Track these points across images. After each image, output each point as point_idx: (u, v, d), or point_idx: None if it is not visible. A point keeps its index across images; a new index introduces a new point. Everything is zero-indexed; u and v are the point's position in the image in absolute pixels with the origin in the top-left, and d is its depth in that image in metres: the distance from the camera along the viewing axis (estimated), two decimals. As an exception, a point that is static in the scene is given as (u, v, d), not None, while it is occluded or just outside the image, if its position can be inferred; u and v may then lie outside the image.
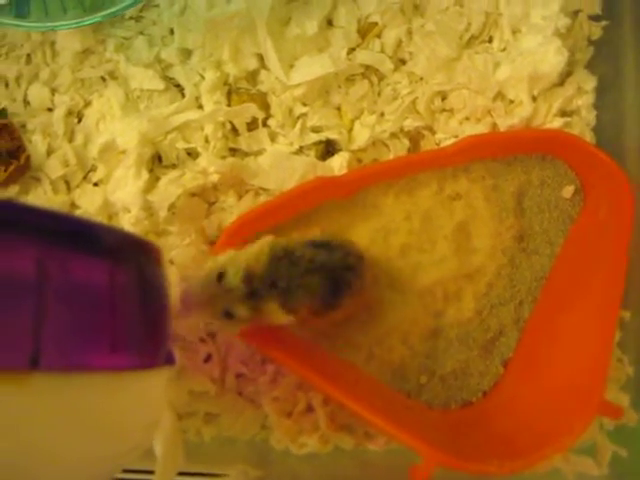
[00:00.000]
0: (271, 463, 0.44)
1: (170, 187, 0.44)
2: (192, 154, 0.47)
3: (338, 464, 0.44)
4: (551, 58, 0.44)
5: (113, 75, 0.48)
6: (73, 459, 0.28)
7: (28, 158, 0.46)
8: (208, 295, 0.36)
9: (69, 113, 0.48)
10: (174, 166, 0.46)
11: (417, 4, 0.48)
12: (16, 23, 0.44)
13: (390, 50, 0.47)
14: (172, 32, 0.48)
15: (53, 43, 0.48)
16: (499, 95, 0.46)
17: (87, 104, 0.48)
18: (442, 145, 0.47)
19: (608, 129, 0.46)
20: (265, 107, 0.47)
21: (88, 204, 0.46)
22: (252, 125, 0.47)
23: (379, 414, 0.38)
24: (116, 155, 0.45)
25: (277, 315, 0.36)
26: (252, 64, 0.47)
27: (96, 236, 0.28)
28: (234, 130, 0.47)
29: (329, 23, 0.48)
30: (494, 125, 0.46)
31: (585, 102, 0.46)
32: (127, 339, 0.29)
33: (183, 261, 0.45)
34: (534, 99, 0.46)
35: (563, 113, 0.46)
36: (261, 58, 0.47)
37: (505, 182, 0.45)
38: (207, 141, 0.46)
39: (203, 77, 0.47)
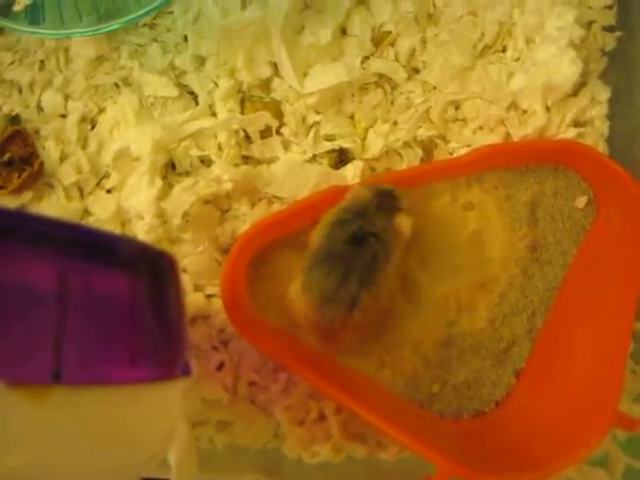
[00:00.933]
0: (284, 472, 0.44)
1: (184, 195, 0.44)
2: (205, 162, 0.47)
3: (351, 473, 0.44)
4: (565, 69, 0.44)
5: (127, 82, 0.48)
6: (91, 471, 0.28)
7: (41, 164, 0.46)
8: None
9: (82, 120, 0.48)
10: (187, 174, 0.46)
11: (431, 13, 0.48)
12: (31, 30, 0.44)
13: (404, 59, 0.47)
14: (186, 39, 0.48)
15: (67, 49, 0.48)
16: (513, 105, 0.46)
17: (101, 111, 0.48)
18: (455, 154, 0.47)
19: (621, 140, 0.46)
20: (278, 115, 0.47)
21: (101, 211, 0.46)
22: (265, 133, 0.47)
23: (392, 423, 0.38)
24: (130, 162, 0.45)
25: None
26: (266, 72, 0.47)
27: (115, 248, 0.28)
28: (247, 138, 0.47)
29: (343, 32, 0.48)
30: (507, 135, 0.46)
31: (599, 113, 0.46)
32: (145, 352, 0.29)
33: (196, 269, 0.45)
34: (548, 109, 0.46)
35: (576, 123, 0.46)
36: (275, 66, 0.47)
37: (518, 192, 0.45)
38: (220, 149, 0.46)
39: (217, 85, 0.47)
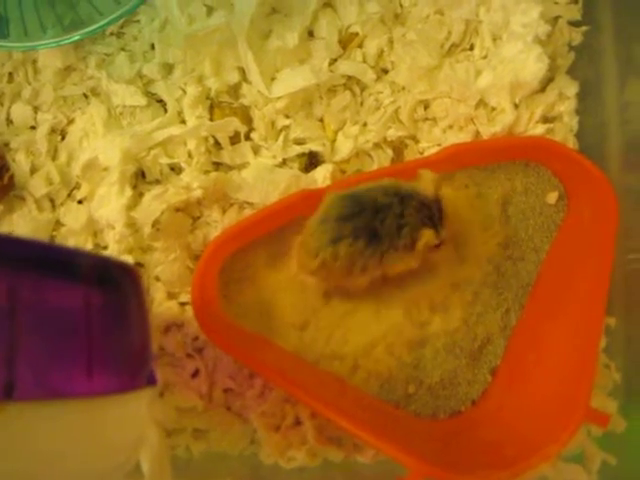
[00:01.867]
0: (262, 478, 0.44)
1: (154, 203, 0.44)
2: (175, 169, 0.47)
3: (328, 477, 0.43)
4: (532, 65, 0.44)
5: (95, 92, 0.48)
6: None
7: (12, 177, 0.46)
8: None
9: (52, 131, 0.48)
10: (158, 182, 0.46)
11: (398, 13, 0.48)
12: (-5, 44, 0.44)
13: (372, 60, 0.47)
14: (153, 48, 0.48)
15: (35, 61, 0.48)
16: (481, 103, 0.46)
17: (70, 122, 0.48)
18: (426, 154, 0.47)
19: (591, 134, 0.46)
20: (248, 120, 0.47)
21: (73, 222, 0.46)
22: (235, 139, 0.47)
23: (364, 426, 0.38)
24: (99, 172, 0.45)
25: None
26: (234, 78, 0.47)
27: (68, 261, 0.28)
28: (217, 144, 0.47)
29: (310, 34, 0.48)
30: (477, 133, 0.46)
31: (567, 108, 0.46)
32: (104, 364, 0.29)
33: (169, 277, 0.45)
34: (516, 106, 0.46)
35: (545, 119, 0.46)
36: (243, 72, 0.47)
37: (489, 190, 0.45)
38: (190, 156, 0.46)
39: (185, 92, 0.47)
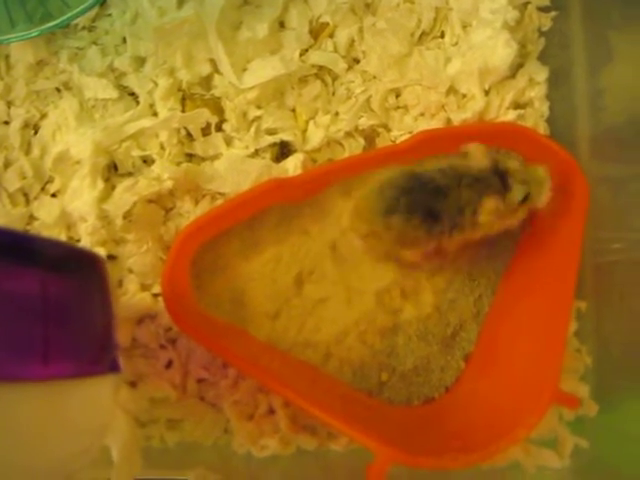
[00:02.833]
0: (234, 467, 0.44)
1: (125, 195, 0.44)
2: (148, 161, 0.47)
3: (301, 465, 0.43)
4: (500, 51, 0.44)
5: (67, 86, 0.48)
6: (16, 469, 0.28)
7: (-15, 172, 0.46)
8: None
9: (25, 125, 0.48)
10: (130, 174, 0.47)
11: (368, 3, 0.48)
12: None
13: (343, 50, 0.47)
14: (125, 41, 0.48)
15: (7, 56, 0.48)
16: (451, 90, 0.46)
17: (43, 116, 0.48)
18: (398, 142, 0.47)
19: (562, 119, 0.46)
20: (219, 111, 0.47)
21: (46, 215, 0.46)
22: (207, 130, 0.47)
23: (335, 414, 0.38)
24: (71, 166, 0.46)
25: None
26: (205, 69, 0.47)
27: (26, 247, 0.28)
28: (189, 136, 0.47)
29: (281, 25, 0.48)
30: (448, 120, 0.47)
31: (538, 93, 0.46)
32: (61, 349, 0.29)
33: (142, 269, 0.45)
34: (486, 92, 0.46)
35: (516, 105, 0.46)
36: (214, 63, 0.47)
37: (461, 176, 0.45)
38: (162, 148, 0.46)
39: (156, 84, 0.47)
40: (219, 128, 0.47)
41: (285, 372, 0.42)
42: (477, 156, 0.40)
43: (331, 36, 0.48)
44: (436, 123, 0.46)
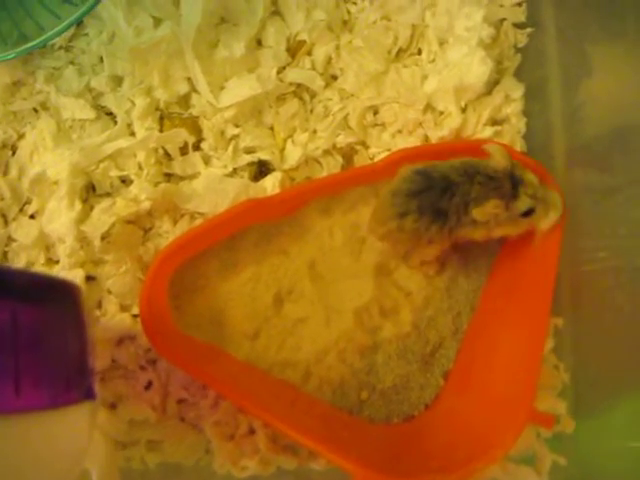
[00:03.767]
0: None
1: (103, 216, 0.44)
2: (126, 181, 0.47)
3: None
4: (476, 68, 0.44)
5: (45, 106, 0.48)
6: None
7: (-38, 194, 0.46)
8: None
9: (3, 146, 0.48)
10: (108, 195, 0.46)
11: (345, 20, 0.48)
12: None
13: (320, 67, 0.47)
14: (102, 60, 0.48)
15: (-17, 78, 0.48)
16: (429, 107, 0.46)
17: (20, 136, 0.48)
18: (376, 159, 0.47)
19: (538, 135, 0.46)
20: (197, 131, 0.47)
21: (24, 237, 0.46)
22: (185, 149, 0.47)
23: (312, 435, 0.38)
24: (49, 186, 0.46)
25: None
26: (183, 88, 0.47)
27: (-4, 278, 0.28)
28: (167, 155, 0.47)
29: (258, 43, 0.48)
30: (426, 137, 0.47)
31: (514, 110, 0.46)
32: (34, 379, 0.29)
33: (121, 290, 0.45)
34: (463, 110, 0.46)
35: (493, 122, 0.47)
36: (191, 82, 0.47)
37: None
38: (140, 168, 0.46)
39: (134, 104, 0.47)
40: (197, 147, 0.47)
41: (264, 392, 0.42)
42: (496, 156, 0.40)
43: (309, 54, 0.48)
44: (414, 140, 0.46)
